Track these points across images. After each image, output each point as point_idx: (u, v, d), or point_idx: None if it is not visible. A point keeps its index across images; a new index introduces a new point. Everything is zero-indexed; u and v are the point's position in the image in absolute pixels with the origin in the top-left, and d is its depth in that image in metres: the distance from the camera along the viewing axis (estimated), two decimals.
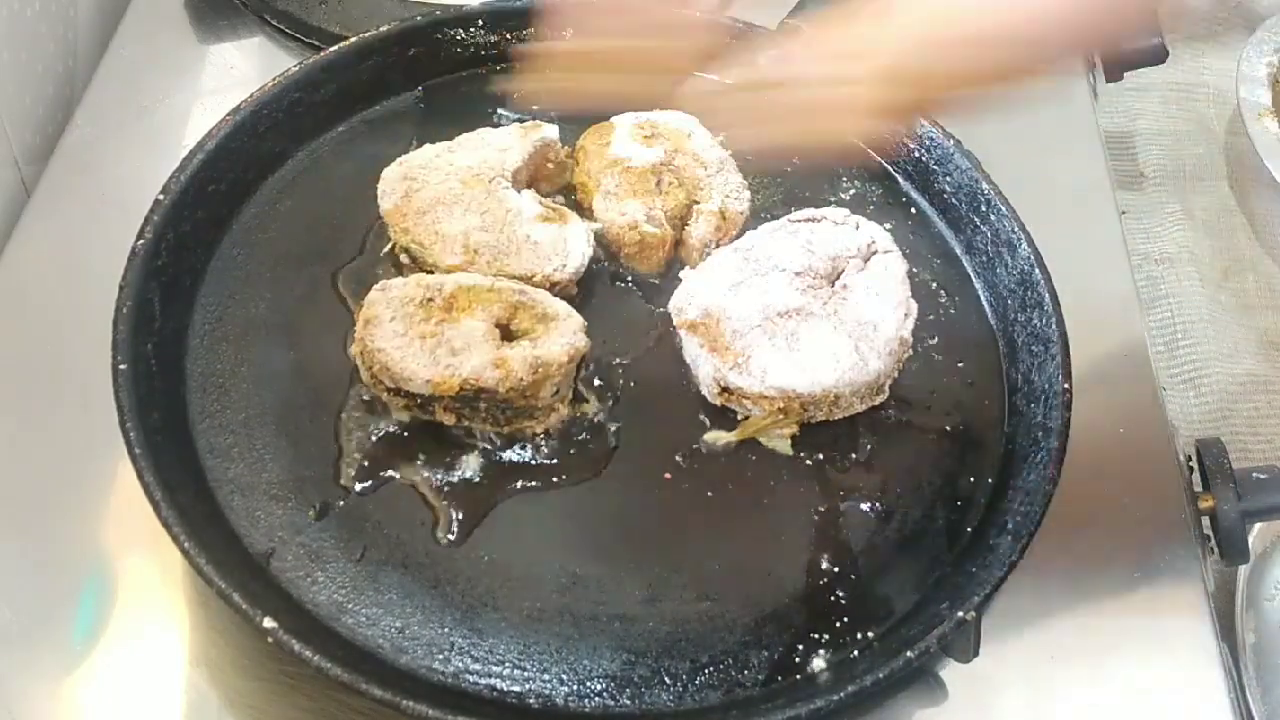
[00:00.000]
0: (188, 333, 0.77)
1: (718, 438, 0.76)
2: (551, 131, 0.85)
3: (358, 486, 0.72)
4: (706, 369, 0.76)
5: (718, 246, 0.82)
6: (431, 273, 0.78)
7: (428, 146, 0.83)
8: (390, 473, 0.73)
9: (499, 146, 0.83)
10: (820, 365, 0.74)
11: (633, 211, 0.81)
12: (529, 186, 0.84)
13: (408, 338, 0.72)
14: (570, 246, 0.79)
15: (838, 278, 0.79)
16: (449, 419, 0.73)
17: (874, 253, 0.80)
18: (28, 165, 0.96)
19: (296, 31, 1.00)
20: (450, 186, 0.80)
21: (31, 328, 0.83)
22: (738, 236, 0.83)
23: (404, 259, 0.80)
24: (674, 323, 0.78)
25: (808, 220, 0.81)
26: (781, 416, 0.75)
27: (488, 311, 0.74)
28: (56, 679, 0.69)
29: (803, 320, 0.76)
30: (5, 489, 0.75)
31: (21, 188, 0.95)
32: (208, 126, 0.82)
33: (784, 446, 0.76)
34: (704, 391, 0.77)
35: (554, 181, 0.87)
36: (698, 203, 0.83)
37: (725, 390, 0.76)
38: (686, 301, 0.78)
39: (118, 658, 0.69)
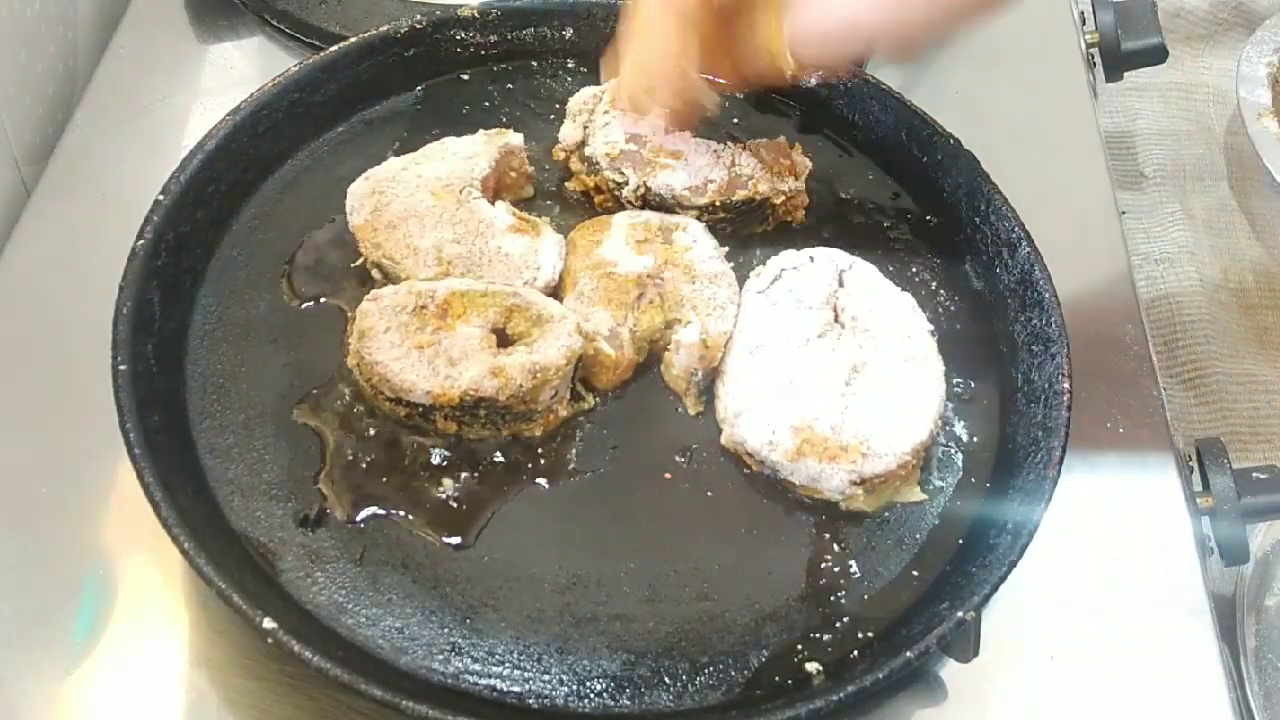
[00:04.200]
0: (188, 333, 0.77)
1: (853, 499, 0.73)
2: (516, 138, 0.83)
3: (357, 516, 0.71)
4: (838, 480, 0.71)
5: (701, 376, 0.77)
6: None
7: (392, 159, 0.82)
8: (387, 478, 0.72)
9: (465, 155, 0.81)
10: (918, 402, 0.73)
11: (597, 322, 0.76)
12: (495, 193, 0.82)
13: (404, 348, 0.71)
14: (542, 259, 0.78)
15: (838, 315, 0.77)
16: (449, 427, 0.73)
17: (842, 272, 0.78)
18: (28, 165, 0.96)
19: (296, 31, 1.00)
20: (421, 199, 0.78)
21: (31, 328, 0.83)
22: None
23: (375, 274, 0.79)
24: (772, 459, 0.72)
25: (772, 280, 0.78)
26: (910, 470, 0.73)
27: (483, 317, 0.73)
28: (56, 679, 0.69)
29: (866, 375, 0.73)
30: (5, 489, 0.75)
31: (21, 188, 0.95)
32: (208, 126, 0.82)
33: (918, 495, 0.74)
34: (833, 498, 0.73)
35: (516, 192, 0.85)
36: (679, 320, 0.76)
37: (863, 482, 0.72)
38: (767, 433, 0.72)
39: (118, 658, 0.69)
